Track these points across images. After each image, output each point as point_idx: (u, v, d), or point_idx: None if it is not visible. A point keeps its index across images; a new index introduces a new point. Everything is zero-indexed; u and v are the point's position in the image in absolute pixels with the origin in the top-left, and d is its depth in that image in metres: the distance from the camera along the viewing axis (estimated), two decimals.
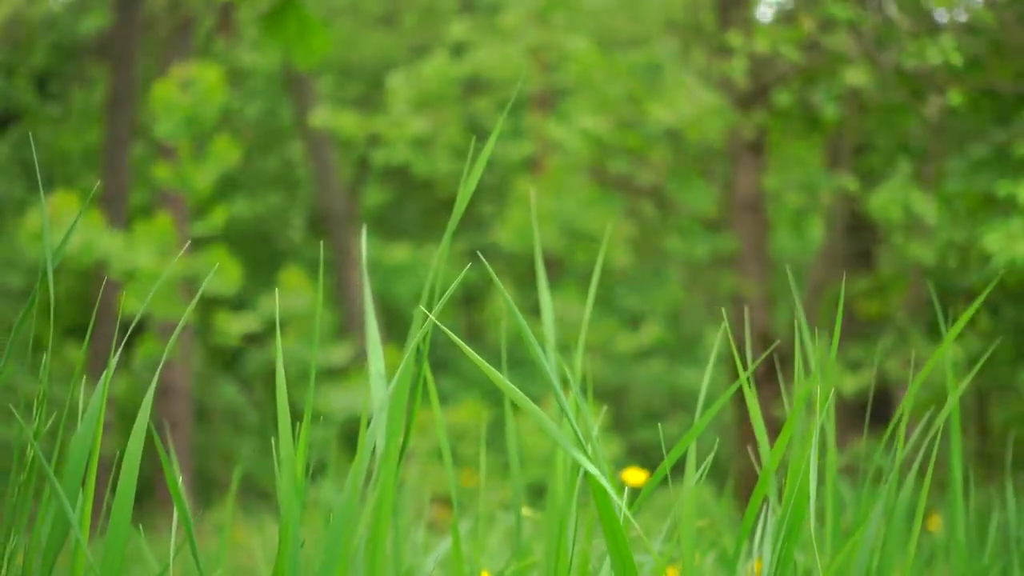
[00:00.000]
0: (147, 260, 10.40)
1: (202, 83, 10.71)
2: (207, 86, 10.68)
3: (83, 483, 1.65)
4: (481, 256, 1.66)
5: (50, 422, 1.70)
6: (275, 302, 15.08)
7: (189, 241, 1.66)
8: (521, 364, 14.79)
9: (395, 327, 15.38)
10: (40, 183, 1.68)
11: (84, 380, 1.69)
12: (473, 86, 12.82)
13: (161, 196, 12.76)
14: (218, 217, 11.85)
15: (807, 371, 1.97)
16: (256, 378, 15.70)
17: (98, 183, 1.73)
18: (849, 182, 7.02)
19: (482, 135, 12.03)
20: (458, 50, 12.19)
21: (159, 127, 10.89)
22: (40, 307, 1.71)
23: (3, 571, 1.67)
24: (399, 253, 16.03)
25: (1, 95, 14.92)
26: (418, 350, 1.80)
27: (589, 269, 15.00)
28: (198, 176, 11.00)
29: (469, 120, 13.03)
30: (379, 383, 1.76)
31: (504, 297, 1.62)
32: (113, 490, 1.71)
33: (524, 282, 15.03)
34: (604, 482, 1.64)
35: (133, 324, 1.72)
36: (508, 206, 12.20)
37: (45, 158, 14.84)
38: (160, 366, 1.63)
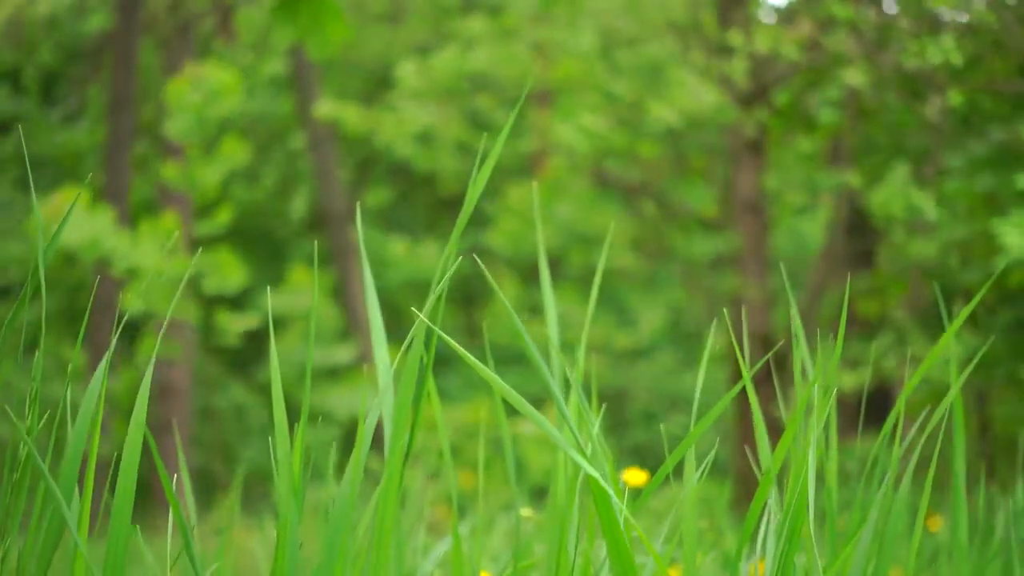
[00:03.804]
0: (150, 258, 10.39)
1: (213, 83, 10.70)
2: (221, 87, 10.68)
3: (80, 481, 1.63)
4: (477, 259, 1.65)
5: (43, 420, 1.68)
6: (279, 300, 15.01)
7: (201, 247, 1.64)
8: (522, 362, 14.76)
9: (393, 320, 15.34)
10: (56, 181, 1.67)
11: (72, 378, 1.67)
12: (475, 83, 12.80)
13: (165, 195, 12.75)
14: (223, 216, 11.85)
15: (806, 373, 1.96)
16: (262, 377, 15.68)
17: (106, 180, 1.72)
18: (852, 177, 7.01)
19: (485, 132, 12.00)
20: (468, 46, 12.18)
21: (170, 125, 10.88)
22: (35, 303, 1.71)
23: None
24: (399, 249, 16.02)
25: (4, 95, 14.92)
26: (421, 356, 1.79)
27: (586, 270, 14.98)
28: (205, 175, 11.00)
29: (471, 116, 13.01)
30: (384, 374, 1.74)
31: (502, 301, 1.62)
32: (112, 490, 1.70)
33: (523, 282, 15.00)
34: (604, 484, 1.64)
35: (157, 328, 1.72)
36: (503, 210, 12.19)
37: (48, 157, 14.83)
38: (168, 367, 1.62)
